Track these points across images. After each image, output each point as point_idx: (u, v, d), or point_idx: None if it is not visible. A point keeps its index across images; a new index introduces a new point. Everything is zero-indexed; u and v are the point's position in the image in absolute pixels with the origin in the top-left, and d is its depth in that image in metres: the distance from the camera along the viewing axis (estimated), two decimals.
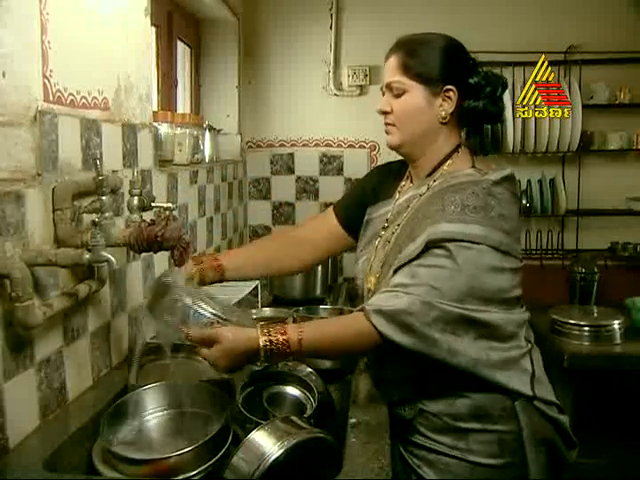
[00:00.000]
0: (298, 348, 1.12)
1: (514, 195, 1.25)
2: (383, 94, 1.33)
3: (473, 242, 1.13)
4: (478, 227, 1.14)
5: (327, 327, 1.22)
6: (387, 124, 1.33)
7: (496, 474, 1.20)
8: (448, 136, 1.31)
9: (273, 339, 1.11)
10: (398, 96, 1.28)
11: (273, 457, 0.96)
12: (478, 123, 1.35)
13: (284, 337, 1.12)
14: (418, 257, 1.16)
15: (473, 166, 1.29)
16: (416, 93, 1.27)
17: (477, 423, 1.20)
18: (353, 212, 1.49)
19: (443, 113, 1.27)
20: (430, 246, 1.15)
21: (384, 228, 1.37)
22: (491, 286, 1.15)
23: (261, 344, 1.11)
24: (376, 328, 1.12)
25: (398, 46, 1.30)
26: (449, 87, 1.26)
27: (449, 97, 1.27)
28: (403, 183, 1.42)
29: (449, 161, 1.31)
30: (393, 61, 1.29)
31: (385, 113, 1.32)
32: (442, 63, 1.26)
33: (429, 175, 1.33)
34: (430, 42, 1.29)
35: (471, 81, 1.28)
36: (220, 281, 1.40)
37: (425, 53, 1.27)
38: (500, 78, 1.32)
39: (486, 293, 1.15)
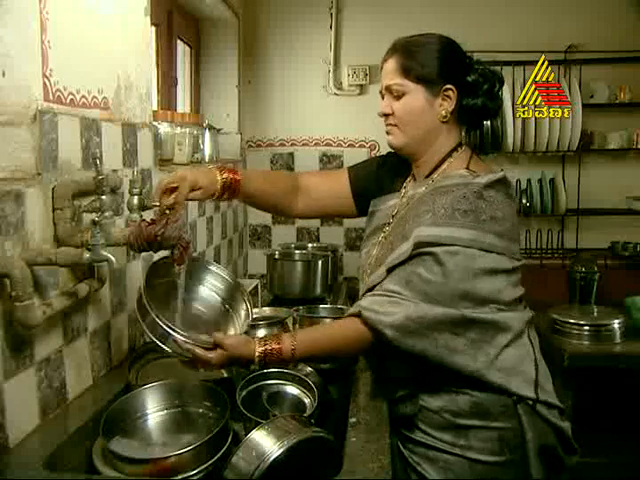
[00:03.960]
0: (291, 357, 1.20)
1: (508, 196, 1.24)
2: (382, 97, 1.34)
3: (461, 246, 1.15)
4: (467, 231, 1.16)
5: (320, 336, 1.27)
6: (389, 125, 1.33)
7: (495, 472, 1.20)
8: (448, 134, 1.32)
9: (268, 348, 1.19)
10: (398, 98, 1.29)
11: (273, 456, 0.96)
12: (477, 120, 1.38)
13: (278, 347, 1.19)
14: (409, 260, 1.19)
15: (467, 167, 1.29)
16: (416, 94, 1.28)
17: (478, 420, 1.21)
18: (364, 186, 1.49)
19: (443, 112, 1.29)
20: (420, 249, 1.17)
21: (388, 224, 1.38)
22: (484, 289, 1.18)
23: (256, 354, 1.18)
24: (379, 331, 1.16)
25: (395, 49, 1.31)
26: (448, 86, 1.27)
27: (448, 96, 1.28)
28: (409, 180, 1.43)
29: (448, 160, 1.32)
30: (391, 64, 1.30)
31: (386, 115, 1.33)
32: (440, 63, 1.28)
33: (429, 174, 1.34)
34: (427, 43, 1.29)
35: (469, 79, 1.30)
36: (228, 199, 1.36)
37: (423, 54, 1.28)
38: (496, 74, 1.34)
39: (480, 296, 1.17)
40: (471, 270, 1.16)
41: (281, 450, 0.96)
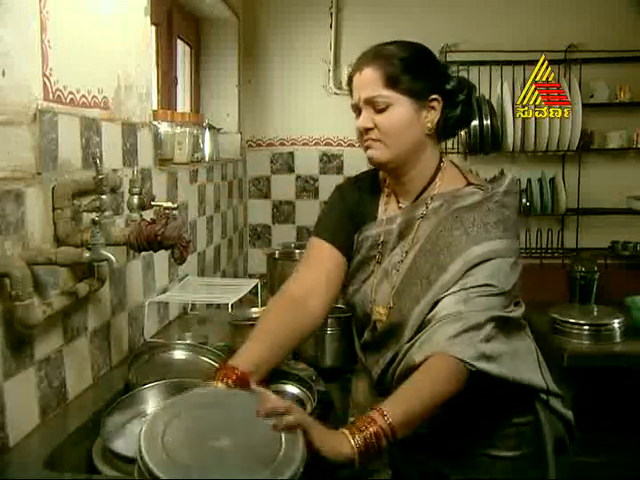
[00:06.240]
0: (390, 435, 0.92)
1: (515, 195, 1.26)
2: (356, 111, 1.21)
3: (501, 257, 1.15)
4: (502, 241, 1.15)
5: (409, 389, 1.02)
6: (370, 140, 1.19)
7: (515, 466, 1.21)
8: (434, 148, 1.24)
9: (367, 434, 0.90)
10: (381, 110, 1.16)
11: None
12: (454, 130, 1.27)
13: (376, 428, 0.90)
14: (460, 284, 1.12)
15: (469, 183, 1.23)
16: (403, 106, 1.16)
17: (496, 417, 1.21)
18: (346, 235, 1.30)
19: (429, 124, 1.19)
20: (468, 272, 1.13)
21: (380, 253, 1.26)
22: (512, 281, 1.16)
23: (356, 448, 0.88)
24: (464, 361, 1.02)
25: (371, 58, 1.20)
26: (434, 96, 1.18)
27: (433, 107, 1.18)
28: (386, 200, 1.30)
29: (439, 175, 1.23)
30: (370, 74, 1.18)
31: (367, 130, 1.19)
32: (425, 72, 1.18)
33: (421, 193, 1.24)
34: (406, 51, 1.19)
35: (448, 87, 1.20)
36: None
37: (407, 63, 1.17)
38: (469, 82, 1.26)
39: (508, 288, 1.15)
40: (505, 272, 1.14)
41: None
